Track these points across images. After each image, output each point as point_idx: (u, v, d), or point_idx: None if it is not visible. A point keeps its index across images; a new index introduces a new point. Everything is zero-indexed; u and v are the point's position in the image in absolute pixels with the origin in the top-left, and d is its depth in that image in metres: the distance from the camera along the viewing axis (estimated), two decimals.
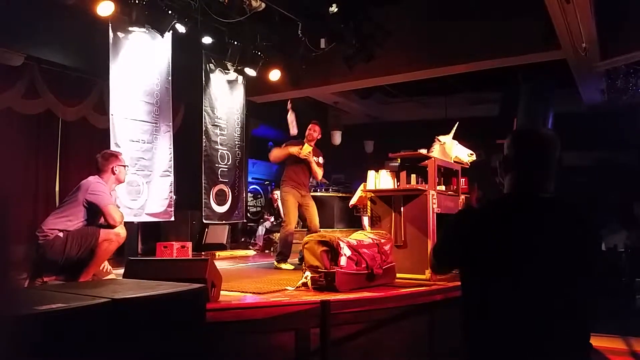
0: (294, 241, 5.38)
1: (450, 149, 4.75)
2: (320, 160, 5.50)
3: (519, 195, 1.64)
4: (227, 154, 7.49)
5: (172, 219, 6.29)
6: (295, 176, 5.36)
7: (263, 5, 5.65)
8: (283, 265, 5.19)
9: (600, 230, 1.58)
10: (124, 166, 3.98)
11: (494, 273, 1.56)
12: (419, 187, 4.45)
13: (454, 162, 4.80)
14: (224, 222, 7.45)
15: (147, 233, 6.71)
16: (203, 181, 7.04)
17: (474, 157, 4.90)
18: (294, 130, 5.69)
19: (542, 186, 1.61)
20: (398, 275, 4.06)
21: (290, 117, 5.70)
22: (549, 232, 1.55)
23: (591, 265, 1.54)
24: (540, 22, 5.95)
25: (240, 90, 7.82)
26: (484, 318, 1.58)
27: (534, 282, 1.52)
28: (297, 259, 5.45)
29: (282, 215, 5.47)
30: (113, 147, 5.38)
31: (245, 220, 8.41)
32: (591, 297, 1.55)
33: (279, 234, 5.64)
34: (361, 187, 4.99)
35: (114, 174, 3.86)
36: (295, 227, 5.40)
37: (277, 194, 8.47)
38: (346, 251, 3.62)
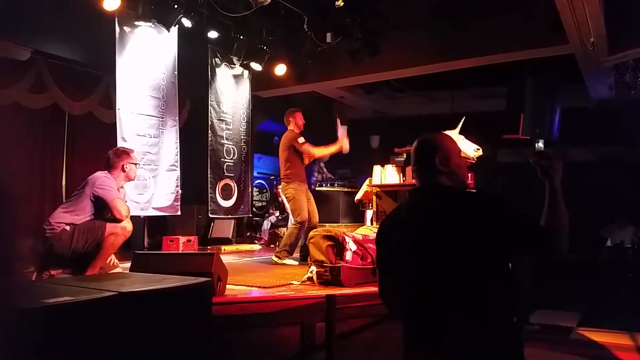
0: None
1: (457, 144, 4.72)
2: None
3: (412, 193, 1.89)
4: (232, 148, 7.50)
5: (179, 213, 6.31)
6: (300, 172, 5.40)
7: None
8: (287, 261, 5.17)
9: (512, 215, 1.61)
10: (135, 164, 4.00)
11: (399, 268, 1.76)
12: None
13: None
14: (229, 216, 7.47)
15: (153, 227, 6.74)
16: (209, 176, 7.05)
17: (480, 152, 4.88)
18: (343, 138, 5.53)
19: (429, 182, 1.80)
20: None
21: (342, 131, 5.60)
22: (429, 224, 1.68)
23: (494, 248, 1.58)
24: (547, 16, 5.90)
25: (246, 85, 7.81)
26: (404, 312, 1.75)
27: (428, 271, 1.64)
28: (299, 254, 5.47)
29: (292, 211, 5.42)
30: (120, 142, 5.39)
31: (250, 215, 8.43)
32: (504, 280, 1.62)
33: (287, 229, 5.63)
34: (367, 182, 5.00)
35: (124, 171, 3.87)
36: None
37: (281, 188, 8.48)
38: (352, 246, 3.63)
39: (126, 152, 3.96)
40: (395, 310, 1.86)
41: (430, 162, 1.79)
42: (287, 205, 7.84)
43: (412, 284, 1.68)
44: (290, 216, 6.74)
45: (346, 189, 7.61)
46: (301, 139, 5.36)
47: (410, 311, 1.70)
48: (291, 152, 5.37)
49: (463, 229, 1.59)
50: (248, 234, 8.88)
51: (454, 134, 4.74)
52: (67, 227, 3.55)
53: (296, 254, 5.56)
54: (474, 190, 1.74)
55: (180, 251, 5.71)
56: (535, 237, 1.60)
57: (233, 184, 7.42)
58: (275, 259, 5.19)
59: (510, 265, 1.63)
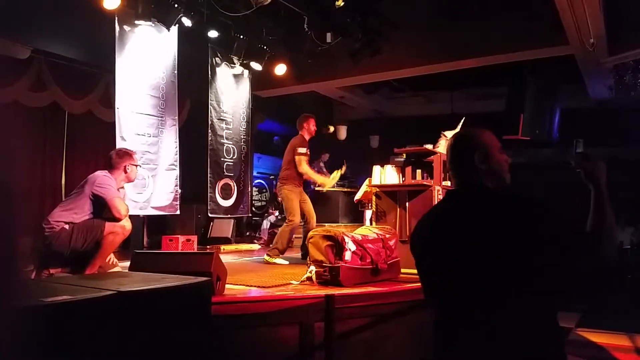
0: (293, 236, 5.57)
1: None
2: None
3: (450, 194, 1.80)
4: (232, 148, 7.49)
5: (178, 212, 6.31)
6: (298, 176, 5.48)
7: None
8: (277, 260, 5.19)
9: (556, 221, 1.52)
10: (137, 165, 4.00)
11: (437, 272, 1.69)
12: (425, 183, 4.45)
13: None
14: (229, 216, 7.47)
15: (152, 226, 6.74)
16: (208, 175, 7.05)
17: None
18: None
19: (468, 183, 1.71)
20: (403, 270, 4.06)
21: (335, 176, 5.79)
22: (465, 228, 1.59)
23: (523, 253, 1.49)
24: (547, 17, 5.90)
25: (246, 85, 7.81)
26: (441, 315, 1.67)
27: (468, 276, 1.57)
28: (300, 254, 5.49)
29: (285, 211, 5.50)
30: (119, 141, 5.39)
31: (250, 215, 8.43)
32: (547, 286, 1.54)
33: (280, 229, 5.69)
34: (366, 182, 4.99)
35: (125, 172, 3.87)
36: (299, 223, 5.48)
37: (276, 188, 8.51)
38: (351, 246, 3.63)
39: (128, 154, 3.97)
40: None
41: (468, 161, 1.68)
42: None
43: (452, 289, 1.62)
44: None
45: (345, 189, 7.61)
46: (303, 149, 5.47)
47: (447, 315, 1.64)
48: (293, 155, 5.47)
49: (505, 235, 1.51)
50: (247, 233, 8.88)
51: (454, 134, 4.73)
52: (66, 226, 3.55)
53: (297, 254, 5.58)
54: (515, 193, 1.63)
55: (179, 250, 5.70)
56: (579, 243, 1.53)
57: (233, 184, 7.42)
58: (267, 257, 5.26)
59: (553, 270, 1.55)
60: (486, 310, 1.54)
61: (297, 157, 5.41)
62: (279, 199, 8.61)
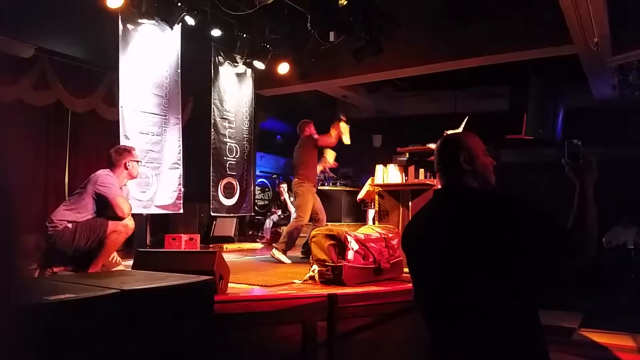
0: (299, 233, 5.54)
1: None
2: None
3: (437, 194, 1.85)
4: (235, 147, 7.50)
5: (181, 211, 6.32)
6: (314, 175, 5.55)
7: None
8: (282, 257, 5.19)
9: (538, 218, 1.53)
10: (137, 161, 4.00)
11: (424, 271, 1.74)
12: (427, 182, 4.44)
13: None
14: (231, 214, 7.47)
15: (155, 225, 6.74)
16: (211, 174, 7.06)
17: None
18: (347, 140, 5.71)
19: (454, 183, 1.76)
20: (405, 269, 4.06)
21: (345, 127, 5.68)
22: (449, 226, 1.64)
23: (519, 252, 1.51)
24: (551, 16, 5.88)
25: (248, 83, 7.81)
26: (428, 316, 1.70)
27: (452, 275, 1.60)
28: (300, 252, 5.49)
29: (297, 207, 5.48)
30: (122, 139, 5.40)
31: (252, 213, 8.44)
32: (529, 284, 1.55)
33: (286, 226, 5.70)
34: (369, 181, 5.00)
35: (126, 169, 3.87)
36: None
37: (283, 187, 8.51)
38: (354, 245, 3.62)
39: (128, 150, 3.97)
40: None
41: (454, 162, 1.74)
42: (289, 204, 7.88)
43: (436, 288, 1.64)
44: (293, 214, 6.76)
45: (348, 188, 7.61)
46: (315, 136, 5.57)
47: (434, 315, 1.66)
48: (311, 153, 5.53)
49: (487, 232, 1.54)
50: (250, 232, 8.88)
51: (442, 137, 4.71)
52: (70, 225, 3.56)
53: (297, 253, 5.58)
54: (499, 192, 1.67)
55: (182, 249, 5.71)
56: (562, 241, 1.53)
57: (235, 183, 7.43)
58: (274, 251, 5.27)
59: (535, 268, 1.57)
60: (471, 307, 1.55)
61: (320, 142, 5.51)
62: (282, 197, 8.64)
